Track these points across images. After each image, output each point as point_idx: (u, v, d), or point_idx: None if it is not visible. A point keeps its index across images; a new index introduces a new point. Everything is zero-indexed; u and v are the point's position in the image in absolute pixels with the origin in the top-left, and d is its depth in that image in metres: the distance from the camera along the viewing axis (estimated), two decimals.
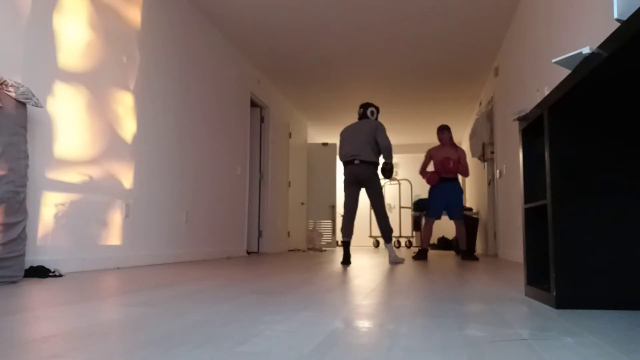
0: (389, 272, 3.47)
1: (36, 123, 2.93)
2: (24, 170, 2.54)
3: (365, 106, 4.76)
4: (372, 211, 4.64)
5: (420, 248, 5.49)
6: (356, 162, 4.49)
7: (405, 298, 1.97)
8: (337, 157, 4.37)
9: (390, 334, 1.24)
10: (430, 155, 5.75)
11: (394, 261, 4.53)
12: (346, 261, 4.41)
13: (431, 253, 8.03)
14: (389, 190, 12.60)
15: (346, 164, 4.57)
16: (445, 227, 11.77)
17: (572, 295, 1.70)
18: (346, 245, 4.53)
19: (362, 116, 4.74)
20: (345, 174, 4.60)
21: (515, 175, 5.11)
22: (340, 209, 12.75)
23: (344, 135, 4.69)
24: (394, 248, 4.64)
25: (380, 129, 4.56)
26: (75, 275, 2.92)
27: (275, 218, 7.49)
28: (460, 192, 5.57)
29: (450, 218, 5.62)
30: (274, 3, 4.91)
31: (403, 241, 12.43)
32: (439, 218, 5.59)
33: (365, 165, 4.49)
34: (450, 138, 5.77)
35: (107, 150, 3.59)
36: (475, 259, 5.32)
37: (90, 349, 1.03)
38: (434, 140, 11.79)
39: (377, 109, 4.79)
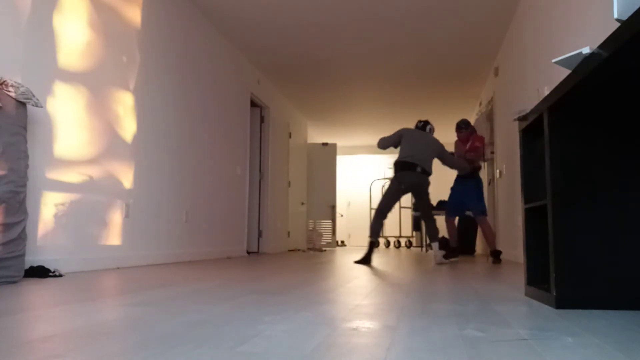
0: (389, 272, 3.47)
1: (36, 123, 2.93)
2: (24, 170, 2.54)
3: (425, 122, 4.91)
4: (420, 215, 4.75)
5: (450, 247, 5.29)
6: (418, 169, 4.56)
7: (405, 298, 1.97)
8: (380, 147, 4.30)
9: (390, 334, 1.24)
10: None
11: (440, 262, 4.55)
12: (367, 261, 4.42)
13: (431, 253, 8.03)
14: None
15: (406, 166, 4.56)
16: (445, 226, 11.76)
17: (572, 295, 1.70)
18: (372, 246, 4.54)
19: (422, 128, 4.85)
20: (399, 175, 4.57)
21: (515, 175, 5.11)
22: (340, 209, 12.74)
23: (408, 136, 4.71)
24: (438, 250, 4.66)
25: (446, 153, 4.81)
26: (75, 275, 2.92)
27: (275, 218, 7.49)
28: (473, 187, 5.31)
29: (474, 216, 5.39)
30: (274, 3, 4.90)
31: (403, 241, 12.43)
32: (455, 215, 5.43)
33: (424, 175, 4.59)
34: (471, 133, 5.47)
35: (107, 150, 3.59)
36: (498, 261, 4.99)
37: (90, 349, 1.03)
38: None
39: (434, 128, 4.97)
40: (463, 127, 5.44)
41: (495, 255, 5.02)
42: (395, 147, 4.86)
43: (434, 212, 8.45)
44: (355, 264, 4.34)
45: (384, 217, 4.66)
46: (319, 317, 1.48)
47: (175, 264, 4.09)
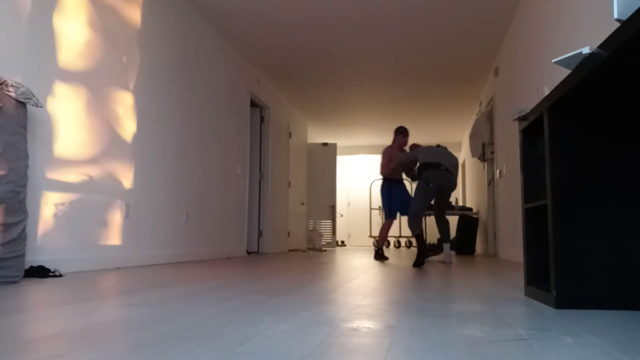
0: (388, 272, 3.47)
1: (36, 123, 2.93)
2: (24, 170, 2.54)
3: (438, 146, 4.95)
4: (435, 213, 4.78)
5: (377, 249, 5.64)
6: (442, 167, 4.56)
7: (405, 298, 1.97)
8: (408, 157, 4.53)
9: (390, 334, 1.24)
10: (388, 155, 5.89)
11: (448, 260, 4.62)
12: (424, 256, 4.30)
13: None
14: None
15: (432, 166, 4.55)
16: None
17: (572, 295, 1.70)
18: (420, 237, 4.43)
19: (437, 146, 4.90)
20: (431, 177, 4.54)
21: (515, 175, 5.11)
22: (340, 209, 12.74)
23: (426, 151, 4.71)
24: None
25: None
26: (75, 275, 2.92)
27: (275, 218, 7.49)
28: (408, 190, 5.86)
29: (402, 214, 5.79)
30: (275, 4, 4.90)
31: (403, 241, 12.43)
32: (396, 217, 5.77)
33: (450, 173, 4.60)
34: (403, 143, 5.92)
35: (107, 150, 3.59)
36: (384, 258, 5.42)
37: (90, 349, 1.03)
38: (434, 140, 11.79)
39: None
40: (404, 132, 5.77)
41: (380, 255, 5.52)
42: (413, 166, 4.97)
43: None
44: (415, 267, 4.16)
45: (420, 219, 4.57)
46: (319, 317, 1.48)
47: (175, 264, 4.09)
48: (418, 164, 4.71)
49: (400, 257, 6.27)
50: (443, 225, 4.75)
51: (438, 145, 4.95)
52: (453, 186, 4.64)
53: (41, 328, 1.26)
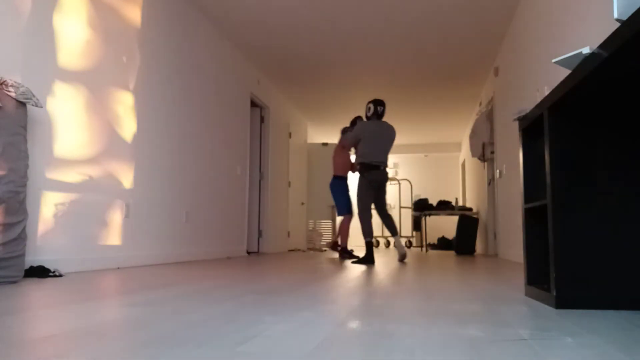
0: (388, 272, 3.47)
1: (36, 123, 2.93)
2: (24, 170, 2.54)
3: (384, 104, 5.09)
4: (378, 211, 5.04)
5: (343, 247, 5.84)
6: (381, 167, 4.92)
7: (405, 298, 1.97)
8: (352, 147, 4.82)
9: (390, 334, 1.24)
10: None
11: (402, 250, 4.90)
12: (373, 260, 4.66)
13: (431, 253, 8.04)
14: (389, 190, 12.59)
15: (373, 167, 4.89)
16: (445, 226, 11.78)
17: (572, 295, 1.70)
18: (371, 246, 4.79)
19: (382, 115, 5.09)
20: (371, 177, 4.89)
21: (515, 175, 5.11)
22: None
23: (369, 132, 4.93)
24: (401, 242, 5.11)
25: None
26: (75, 275, 2.92)
27: (275, 218, 7.49)
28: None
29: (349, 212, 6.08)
30: (274, 3, 4.90)
31: (403, 241, 12.43)
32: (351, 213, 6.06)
33: (386, 172, 5.01)
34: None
35: (107, 150, 3.59)
36: (352, 257, 5.61)
37: (90, 349, 1.03)
38: (434, 140, 11.78)
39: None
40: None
41: (344, 251, 5.79)
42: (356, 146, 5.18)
43: (435, 211, 8.75)
44: (354, 264, 4.47)
45: (370, 215, 4.91)
46: (319, 317, 1.48)
47: (175, 264, 4.09)
48: (360, 162, 4.92)
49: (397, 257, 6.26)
50: (388, 220, 4.95)
51: (383, 110, 5.03)
52: (387, 179, 5.03)
53: (41, 328, 1.26)
